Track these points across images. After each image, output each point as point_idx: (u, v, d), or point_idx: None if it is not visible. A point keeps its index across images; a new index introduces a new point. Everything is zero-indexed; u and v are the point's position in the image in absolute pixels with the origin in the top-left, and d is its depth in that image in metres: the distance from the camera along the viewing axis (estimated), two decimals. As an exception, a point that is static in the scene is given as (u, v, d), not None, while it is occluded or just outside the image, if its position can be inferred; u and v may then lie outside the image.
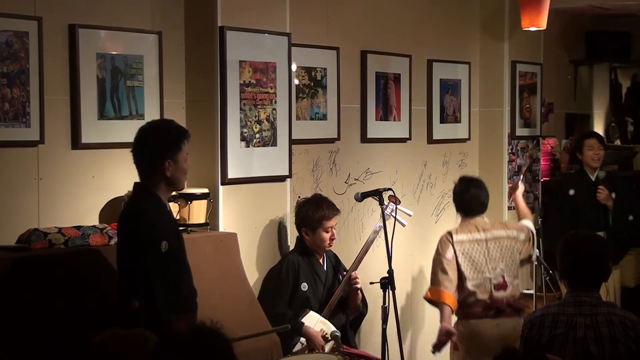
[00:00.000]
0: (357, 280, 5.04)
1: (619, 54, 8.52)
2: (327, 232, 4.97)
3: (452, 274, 5.18)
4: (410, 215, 5.59)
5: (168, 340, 2.51)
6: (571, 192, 6.67)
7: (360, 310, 5.17)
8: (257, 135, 4.95)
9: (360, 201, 5.10)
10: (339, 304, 5.03)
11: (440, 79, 6.57)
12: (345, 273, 5.09)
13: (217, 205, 4.76)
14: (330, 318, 4.92)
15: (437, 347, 5.11)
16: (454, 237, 5.25)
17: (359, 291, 5.08)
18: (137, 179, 3.85)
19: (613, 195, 6.68)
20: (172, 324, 3.54)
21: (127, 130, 4.30)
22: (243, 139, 4.88)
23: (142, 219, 3.68)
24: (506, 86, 6.94)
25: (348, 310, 5.11)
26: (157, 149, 3.77)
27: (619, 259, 6.71)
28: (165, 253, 3.66)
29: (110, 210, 4.42)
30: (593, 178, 6.75)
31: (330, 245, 5.03)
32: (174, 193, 4.47)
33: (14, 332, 3.68)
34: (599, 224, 6.45)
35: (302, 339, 4.80)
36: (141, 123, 4.00)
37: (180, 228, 4.51)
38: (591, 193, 6.66)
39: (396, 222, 5.10)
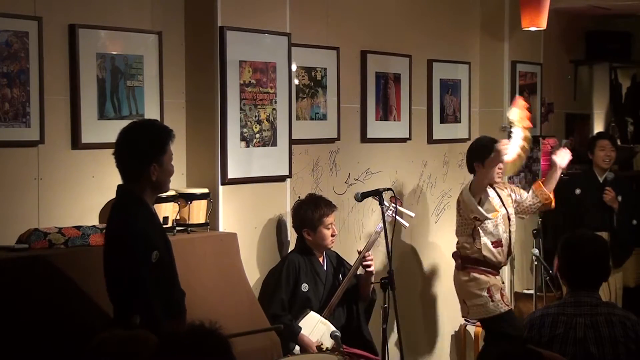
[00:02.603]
0: (370, 259, 5.02)
1: (619, 54, 8.52)
2: (328, 229, 4.98)
3: None
4: (412, 217, 5.60)
5: (168, 341, 2.51)
6: (577, 191, 6.67)
7: (371, 297, 5.16)
8: (257, 135, 4.96)
9: (360, 201, 5.11)
10: (347, 296, 5.01)
11: (440, 79, 6.57)
12: (345, 274, 5.08)
13: (217, 205, 4.76)
14: (330, 318, 4.92)
15: None
16: None
17: (372, 275, 5.05)
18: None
19: (619, 198, 6.68)
20: (166, 329, 3.45)
21: (127, 130, 4.29)
22: (243, 139, 4.88)
23: (131, 229, 3.52)
24: (506, 86, 6.94)
25: (359, 302, 5.09)
26: (141, 152, 3.60)
27: (622, 262, 6.72)
28: (156, 263, 3.53)
29: (110, 211, 4.41)
30: (601, 179, 6.75)
31: (333, 242, 5.03)
32: (173, 192, 4.47)
33: (14, 332, 3.68)
34: (604, 225, 6.46)
35: (297, 347, 4.79)
36: (141, 123, 3.97)
37: (180, 228, 4.52)
38: (598, 194, 6.66)
39: (397, 222, 5.10)
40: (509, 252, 5.81)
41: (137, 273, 3.49)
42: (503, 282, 5.92)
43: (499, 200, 5.75)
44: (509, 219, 5.77)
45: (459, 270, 5.82)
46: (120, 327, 3.46)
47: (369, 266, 5.02)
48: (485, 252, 5.65)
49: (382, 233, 5.03)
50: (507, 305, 5.71)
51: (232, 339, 3.29)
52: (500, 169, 5.73)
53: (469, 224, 5.68)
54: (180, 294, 3.73)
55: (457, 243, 5.83)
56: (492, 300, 5.63)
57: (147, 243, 3.54)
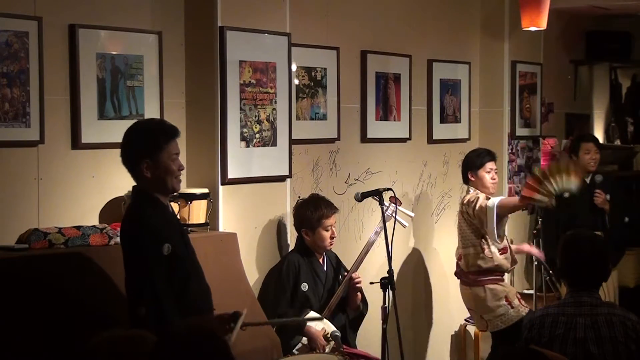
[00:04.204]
0: (358, 280, 5.04)
1: (619, 54, 8.52)
2: (327, 230, 4.97)
3: None
4: (412, 217, 5.60)
5: (166, 341, 2.51)
6: (566, 194, 6.66)
7: (361, 310, 5.17)
8: (257, 135, 4.96)
9: (360, 201, 5.10)
10: (339, 304, 5.03)
11: (440, 79, 6.57)
12: (346, 274, 5.08)
13: (217, 205, 4.76)
14: (330, 318, 4.92)
15: None
16: None
17: (358, 292, 5.08)
18: (137, 180, 3.83)
19: (608, 197, 6.68)
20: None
21: (127, 131, 4.30)
22: (243, 139, 4.88)
23: (141, 223, 3.59)
24: (506, 86, 6.94)
25: (348, 310, 5.11)
26: (133, 149, 3.66)
27: (616, 261, 6.71)
28: (168, 256, 3.57)
29: (110, 210, 4.42)
30: (588, 180, 6.74)
31: (331, 244, 5.03)
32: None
33: (13, 332, 3.68)
34: (596, 226, 6.45)
35: (304, 339, 4.80)
36: (141, 123, 3.97)
37: (180, 228, 4.52)
38: (587, 196, 6.65)
39: (397, 223, 5.10)
40: (513, 258, 5.82)
41: (146, 265, 3.54)
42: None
43: None
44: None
45: (469, 285, 5.78)
46: (131, 322, 3.50)
47: (357, 284, 5.03)
48: (496, 261, 5.67)
49: (377, 239, 5.06)
50: (526, 307, 5.72)
51: (231, 339, 3.30)
52: (494, 179, 5.80)
53: (477, 234, 5.68)
54: (198, 291, 3.74)
55: (461, 257, 5.80)
56: (512, 307, 5.66)
57: (156, 236, 3.57)
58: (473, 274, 5.72)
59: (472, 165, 5.79)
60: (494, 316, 5.70)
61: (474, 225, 5.67)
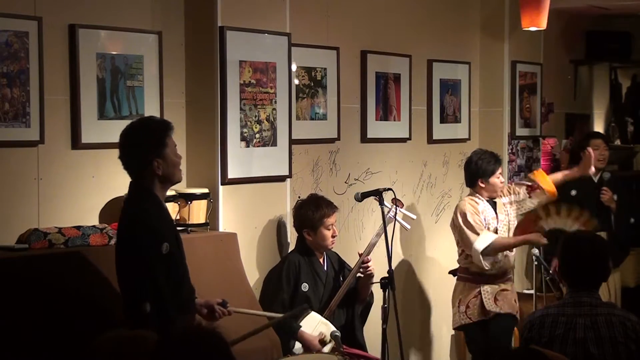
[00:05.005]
0: (370, 266, 5.00)
1: (619, 54, 8.52)
2: (329, 229, 4.97)
3: None
4: (413, 219, 5.60)
5: (167, 341, 2.51)
6: (573, 192, 6.64)
7: (368, 299, 5.16)
8: (257, 135, 4.96)
9: (360, 201, 5.10)
10: (347, 298, 5.01)
11: (440, 79, 6.57)
12: (346, 276, 5.07)
13: (217, 205, 4.76)
14: (330, 318, 4.91)
15: None
16: None
17: (370, 280, 5.04)
18: (136, 179, 3.83)
19: (615, 197, 6.66)
20: (178, 325, 3.50)
21: (127, 130, 4.29)
22: (243, 139, 4.88)
23: (143, 222, 3.61)
24: (506, 86, 6.94)
25: (357, 302, 5.09)
26: (141, 152, 3.67)
27: (620, 261, 6.70)
28: (167, 255, 3.60)
29: (110, 210, 4.42)
30: (595, 179, 6.72)
31: (333, 243, 5.03)
32: (173, 192, 4.47)
33: (13, 332, 3.68)
34: (602, 225, 6.43)
35: (298, 344, 4.78)
36: (141, 123, 3.97)
37: (180, 228, 4.52)
38: (594, 194, 6.63)
39: (398, 224, 5.10)
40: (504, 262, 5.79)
41: (146, 265, 3.56)
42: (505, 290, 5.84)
43: (493, 212, 5.73)
44: (496, 230, 5.75)
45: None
46: (131, 321, 3.50)
47: (367, 269, 5.02)
48: (467, 263, 5.66)
49: (383, 234, 5.03)
50: (470, 319, 5.66)
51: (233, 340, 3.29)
52: (502, 181, 5.79)
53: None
54: (188, 291, 3.78)
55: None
56: (459, 311, 5.70)
57: (157, 235, 3.60)
58: (459, 268, 5.82)
59: (483, 173, 5.71)
60: (453, 313, 5.81)
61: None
